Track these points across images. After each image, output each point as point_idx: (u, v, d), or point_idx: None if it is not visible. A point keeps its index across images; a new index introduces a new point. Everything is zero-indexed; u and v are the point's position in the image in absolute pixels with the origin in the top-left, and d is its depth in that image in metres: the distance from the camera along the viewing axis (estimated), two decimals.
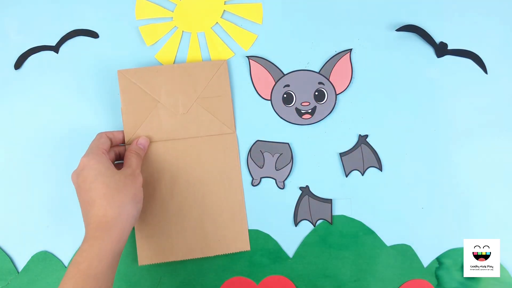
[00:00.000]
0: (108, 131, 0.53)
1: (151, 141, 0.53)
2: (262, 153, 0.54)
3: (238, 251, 0.53)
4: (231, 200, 0.53)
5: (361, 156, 0.54)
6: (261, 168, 0.54)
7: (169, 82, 0.54)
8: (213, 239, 0.53)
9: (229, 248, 0.53)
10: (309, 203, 0.53)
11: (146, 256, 0.52)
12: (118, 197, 0.43)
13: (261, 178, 0.54)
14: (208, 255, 0.53)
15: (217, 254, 0.53)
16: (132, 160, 0.49)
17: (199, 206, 0.53)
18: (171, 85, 0.54)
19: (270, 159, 0.54)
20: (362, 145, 0.54)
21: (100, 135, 0.51)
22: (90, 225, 0.42)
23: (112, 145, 0.52)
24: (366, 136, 0.54)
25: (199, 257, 0.52)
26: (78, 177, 0.45)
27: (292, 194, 0.54)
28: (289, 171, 0.54)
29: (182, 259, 0.52)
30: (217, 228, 0.53)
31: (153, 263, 0.52)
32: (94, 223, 0.42)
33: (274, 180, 0.54)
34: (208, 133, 0.54)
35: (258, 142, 0.55)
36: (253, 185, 0.54)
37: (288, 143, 0.54)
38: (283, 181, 0.54)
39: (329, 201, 0.53)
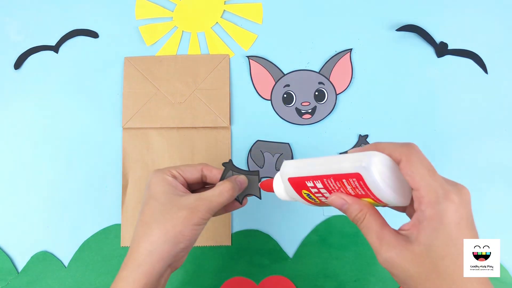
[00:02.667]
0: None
1: (146, 128, 0.54)
2: (262, 153, 0.54)
3: (218, 244, 0.53)
4: None
5: None
6: (261, 168, 0.54)
7: (171, 71, 0.55)
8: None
9: (209, 241, 0.53)
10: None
11: (129, 238, 0.53)
12: (157, 231, 0.36)
13: (261, 178, 0.54)
14: None
15: (197, 245, 0.53)
16: (214, 193, 0.39)
17: None
18: (172, 74, 0.55)
19: (270, 159, 0.54)
20: (362, 145, 0.54)
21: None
22: (129, 250, 0.38)
23: (192, 181, 0.42)
24: (366, 136, 0.54)
25: None
26: (144, 193, 0.40)
27: None
28: None
29: None
30: None
31: None
32: (129, 251, 0.38)
33: None
34: (203, 124, 0.54)
35: (258, 142, 0.55)
36: None
37: (288, 143, 0.54)
38: None
39: (254, 172, 0.43)
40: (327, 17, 0.56)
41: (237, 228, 0.54)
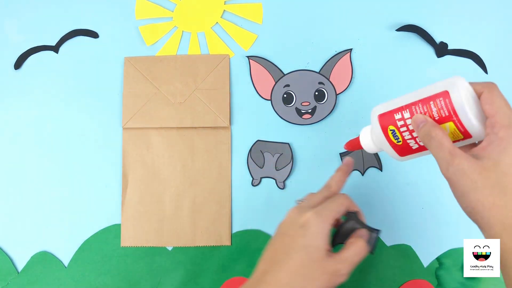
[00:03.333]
0: (350, 199, 0.40)
1: (146, 128, 0.54)
2: (262, 153, 0.54)
3: (218, 244, 0.53)
4: (217, 193, 0.54)
5: (361, 156, 0.54)
6: (261, 168, 0.54)
7: (171, 71, 0.55)
8: (195, 230, 0.53)
9: (209, 241, 0.53)
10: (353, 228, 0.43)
11: (129, 238, 0.53)
12: (299, 284, 0.35)
13: (261, 178, 0.54)
14: (188, 245, 0.53)
15: (197, 245, 0.53)
16: (352, 253, 0.37)
17: (185, 195, 0.54)
18: (172, 74, 0.55)
19: (270, 159, 0.54)
20: None
21: (344, 196, 0.40)
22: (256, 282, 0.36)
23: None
24: None
25: (179, 246, 0.53)
26: (292, 226, 0.37)
27: (292, 194, 0.54)
28: (289, 171, 0.54)
29: (163, 245, 0.53)
30: (200, 220, 0.53)
31: (135, 246, 0.53)
32: (257, 283, 0.36)
33: (274, 180, 0.54)
34: (203, 124, 0.54)
35: (258, 142, 0.55)
36: (253, 185, 0.54)
37: (288, 143, 0.54)
38: (283, 181, 0.54)
39: (376, 231, 0.41)
40: (327, 17, 0.56)
41: (237, 228, 0.54)
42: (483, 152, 0.32)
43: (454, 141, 0.34)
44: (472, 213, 0.33)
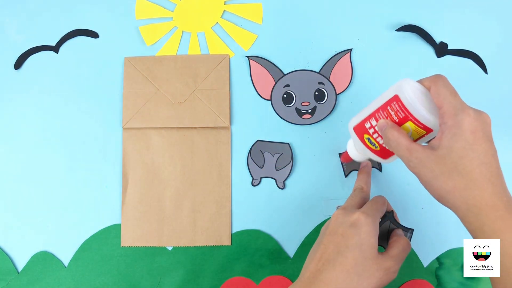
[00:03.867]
0: (386, 199, 0.43)
1: (146, 128, 0.54)
2: (262, 153, 0.54)
3: (218, 244, 0.53)
4: (217, 193, 0.54)
5: None
6: (261, 168, 0.54)
7: (171, 71, 0.55)
8: (195, 230, 0.53)
9: (209, 241, 0.53)
10: (389, 228, 0.45)
11: (129, 238, 0.53)
12: (356, 284, 0.36)
13: (261, 178, 0.54)
14: (188, 245, 0.53)
15: (197, 245, 0.53)
16: (400, 250, 0.39)
17: (185, 195, 0.54)
18: (172, 74, 0.55)
19: (270, 159, 0.54)
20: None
21: (383, 197, 0.43)
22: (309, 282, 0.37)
23: None
24: None
25: (179, 246, 0.53)
26: (341, 226, 0.39)
27: (292, 194, 0.54)
28: (289, 171, 0.54)
29: (163, 245, 0.53)
30: (200, 220, 0.53)
31: (135, 246, 0.53)
32: (309, 283, 0.37)
33: (274, 180, 0.54)
34: (203, 124, 0.54)
35: (258, 142, 0.55)
36: (253, 185, 0.54)
37: (288, 143, 0.54)
38: (283, 181, 0.54)
39: (410, 230, 0.44)
40: (327, 17, 0.56)
41: (237, 228, 0.54)
42: (438, 142, 0.34)
43: (419, 137, 0.37)
44: (440, 200, 0.35)
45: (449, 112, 0.34)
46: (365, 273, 0.36)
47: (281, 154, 0.54)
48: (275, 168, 0.54)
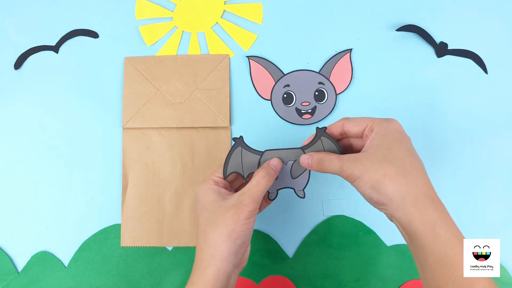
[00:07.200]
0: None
1: (146, 128, 0.54)
2: None
3: None
4: None
5: None
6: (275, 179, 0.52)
7: (171, 71, 0.55)
8: (194, 230, 0.53)
9: None
10: (241, 154, 0.44)
11: (129, 238, 0.53)
12: (213, 235, 0.39)
13: (277, 190, 0.49)
14: (188, 245, 0.53)
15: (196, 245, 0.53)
16: (252, 184, 0.41)
17: (185, 195, 0.54)
18: (172, 74, 0.55)
19: (284, 168, 0.51)
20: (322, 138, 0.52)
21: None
22: (195, 259, 0.41)
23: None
24: (325, 128, 0.54)
25: (179, 246, 0.53)
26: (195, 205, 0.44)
27: (291, 194, 0.54)
28: (307, 177, 0.50)
29: (163, 245, 0.53)
30: None
31: (135, 246, 0.53)
32: (195, 261, 0.41)
33: (293, 190, 0.53)
34: (203, 124, 0.54)
35: (266, 152, 0.45)
36: (270, 199, 0.46)
37: (301, 148, 0.48)
38: (303, 190, 0.52)
39: (261, 153, 0.44)
40: (327, 17, 0.56)
41: None
42: (369, 144, 0.38)
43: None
44: (372, 196, 0.36)
45: (376, 123, 0.39)
46: (217, 221, 0.39)
47: (294, 161, 0.45)
48: (291, 176, 0.46)
